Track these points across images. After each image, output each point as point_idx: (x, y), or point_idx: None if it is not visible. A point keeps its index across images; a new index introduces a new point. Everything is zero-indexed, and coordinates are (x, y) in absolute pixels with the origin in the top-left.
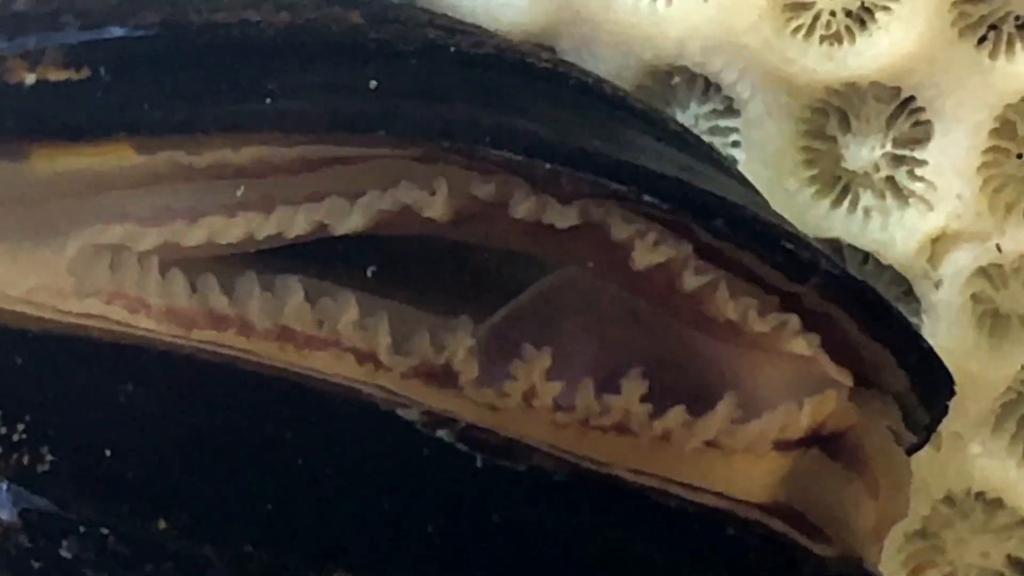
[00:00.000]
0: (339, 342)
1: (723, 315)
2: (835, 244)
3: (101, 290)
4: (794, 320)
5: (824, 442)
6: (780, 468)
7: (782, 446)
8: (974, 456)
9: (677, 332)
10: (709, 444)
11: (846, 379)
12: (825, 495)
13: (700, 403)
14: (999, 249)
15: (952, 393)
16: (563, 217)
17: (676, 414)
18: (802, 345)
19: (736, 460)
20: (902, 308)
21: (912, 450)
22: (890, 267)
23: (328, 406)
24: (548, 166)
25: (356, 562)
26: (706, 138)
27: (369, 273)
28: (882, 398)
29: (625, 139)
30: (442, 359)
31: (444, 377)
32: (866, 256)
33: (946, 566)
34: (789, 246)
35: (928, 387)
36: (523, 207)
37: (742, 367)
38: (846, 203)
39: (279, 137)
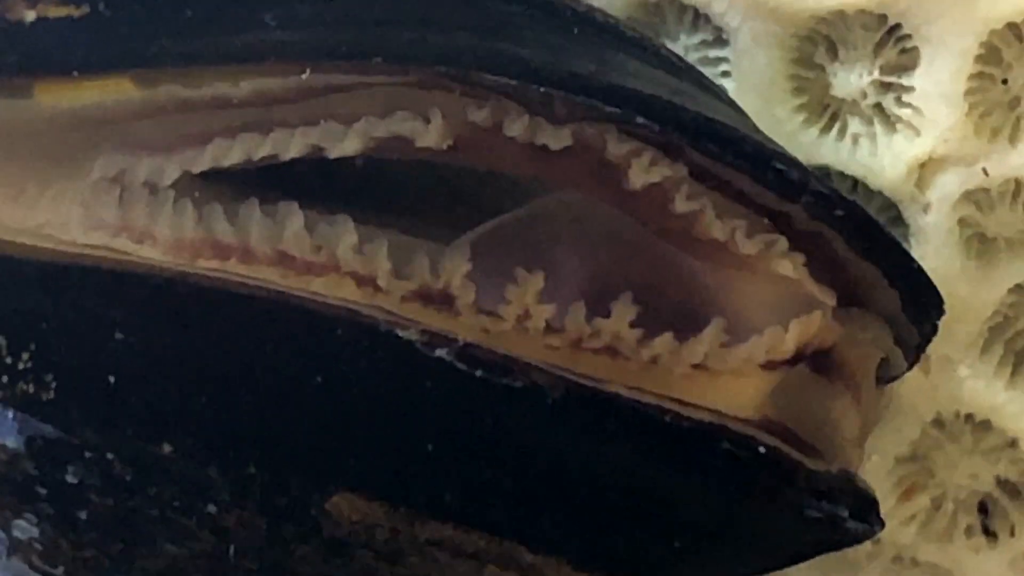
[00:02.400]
0: (338, 267)
1: (711, 236)
2: (824, 171)
3: (108, 222)
4: (781, 241)
5: (810, 359)
6: (767, 385)
7: (769, 366)
8: (962, 379)
9: (667, 254)
10: (697, 366)
11: (829, 299)
12: (813, 410)
13: (688, 325)
14: (985, 173)
15: (942, 312)
16: (556, 138)
17: (664, 340)
18: (787, 266)
19: (724, 380)
20: (892, 232)
21: (905, 369)
22: (879, 193)
23: (328, 327)
24: (542, 90)
25: (358, 481)
26: (698, 68)
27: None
28: (866, 314)
29: (617, 64)
30: (440, 283)
31: (442, 300)
32: (855, 183)
33: (936, 488)
34: (780, 166)
35: (918, 306)
36: (516, 128)
37: (729, 289)
38: (835, 130)
39: (277, 67)
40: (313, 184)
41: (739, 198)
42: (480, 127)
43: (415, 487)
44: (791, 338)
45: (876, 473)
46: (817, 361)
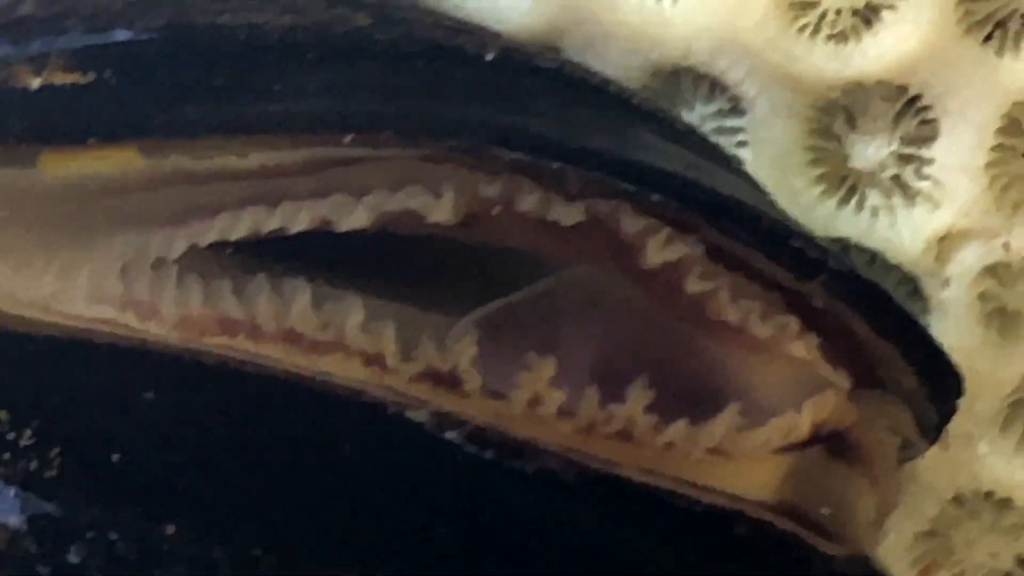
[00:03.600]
0: (345, 345)
1: (725, 317)
2: (842, 243)
3: (113, 297)
4: (793, 323)
5: (825, 441)
6: (783, 468)
7: (785, 448)
8: (983, 456)
9: (681, 334)
10: (712, 450)
11: (843, 381)
12: (829, 493)
13: (703, 407)
14: (1006, 247)
15: (961, 392)
16: (569, 214)
17: (679, 428)
18: (801, 348)
19: (739, 463)
20: (910, 307)
21: (924, 448)
22: (897, 266)
23: (336, 408)
24: (555, 165)
25: (367, 564)
26: (712, 138)
27: (373, 273)
28: (883, 396)
29: (632, 138)
30: (447, 365)
31: (450, 382)
32: (873, 256)
33: (955, 566)
34: (797, 244)
35: (937, 385)
36: (528, 203)
37: (744, 370)
38: (853, 202)
39: (286, 140)
40: (323, 250)
41: (755, 277)
42: (492, 202)
43: (425, 571)
44: (806, 420)
45: (894, 550)
46: (833, 444)
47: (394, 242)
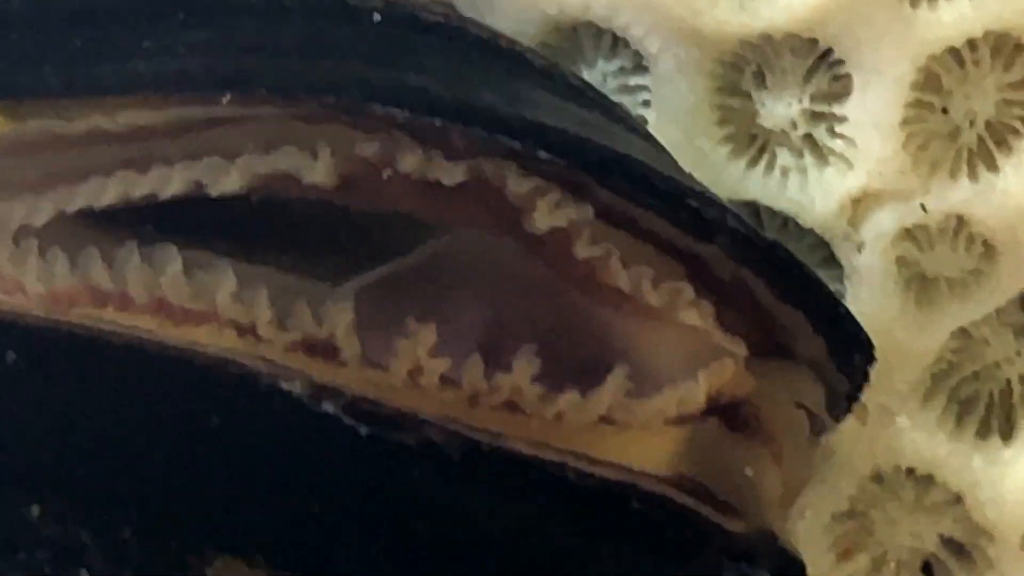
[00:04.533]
0: (217, 315)
1: (617, 284)
2: (752, 207)
3: None
4: (687, 290)
5: (722, 412)
6: (680, 440)
7: (681, 420)
8: (903, 430)
9: (571, 301)
10: (604, 419)
11: (739, 349)
12: (728, 466)
13: (593, 376)
14: (924, 209)
15: (872, 358)
16: (451, 174)
17: (568, 398)
18: (694, 316)
19: (633, 434)
20: (824, 275)
21: (836, 420)
22: (810, 231)
23: (208, 380)
24: (436, 122)
25: (239, 545)
26: (615, 98)
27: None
28: (784, 364)
29: (522, 94)
30: (324, 333)
31: (327, 351)
32: (785, 219)
33: (876, 548)
34: (693, 203)
35: (846, 352)
36: (408, 162)
37: (636, 338)
38: (763, 163)
39: (155, 99)
40: (197, 216)
41: (650, 239)
42: (370, 162)
43: (301, 552)
44: (700, 389)
45: (811, 531)
46: (731, 416)
47: (271, 207)
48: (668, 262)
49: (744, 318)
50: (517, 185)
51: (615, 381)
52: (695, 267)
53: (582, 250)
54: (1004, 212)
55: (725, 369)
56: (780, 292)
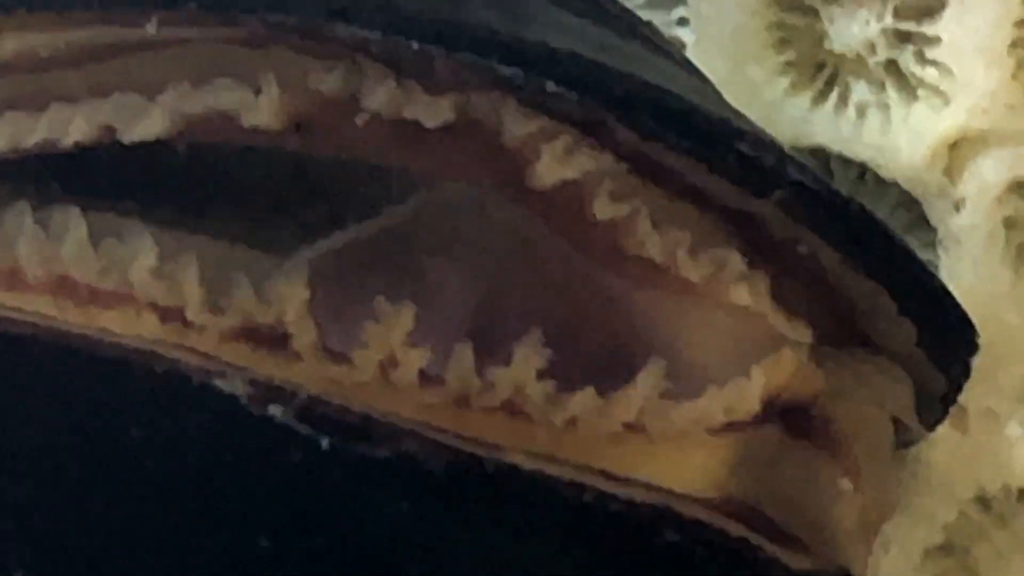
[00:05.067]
0: (133, 296)
1: (644, 252)
2: (820, 155)
3: None
4: (735, 260)
5: (781, 418)
6: (726, 454)
7: (729, 428)
8: (1013, 440)
9: (586, 274)
10: (631, 428)
11: (803, 335)
12: (790, 486)
13: (617, 372)
14: None
15: (975, 348)
16: (433, 112)
17: (584, 397)
18: (744, 293)
19: (667, 446)
20: (912, 240)
21: (927, 428)
22: (895, 184)
23: (122, 378)
24: (414, 45)
25: None
26: (644, 14)
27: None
28: (865, 356)
29: (524, 9)
30: (270, 317)
31: (274, 340)
32: (862, 170)
33: None
34: (745, 149)
35: (943, 341)
36: (378, 98)
37: (671, 323)
38: (832, 98)
39: (51, 18)
40: (106, 168)
41: (688, 195)
42: (329, 99)
43: None
44: (755, 388)
45: (897, 572)
46: (792, 422)
47: (202, 157)
48: (711, 224)
49: (810, 296)
50: (516, 126)
51: (647, 379)
52: (746, 231)
53: (600, 209)
54: None
55: (784, 362)
56: (856, 262)
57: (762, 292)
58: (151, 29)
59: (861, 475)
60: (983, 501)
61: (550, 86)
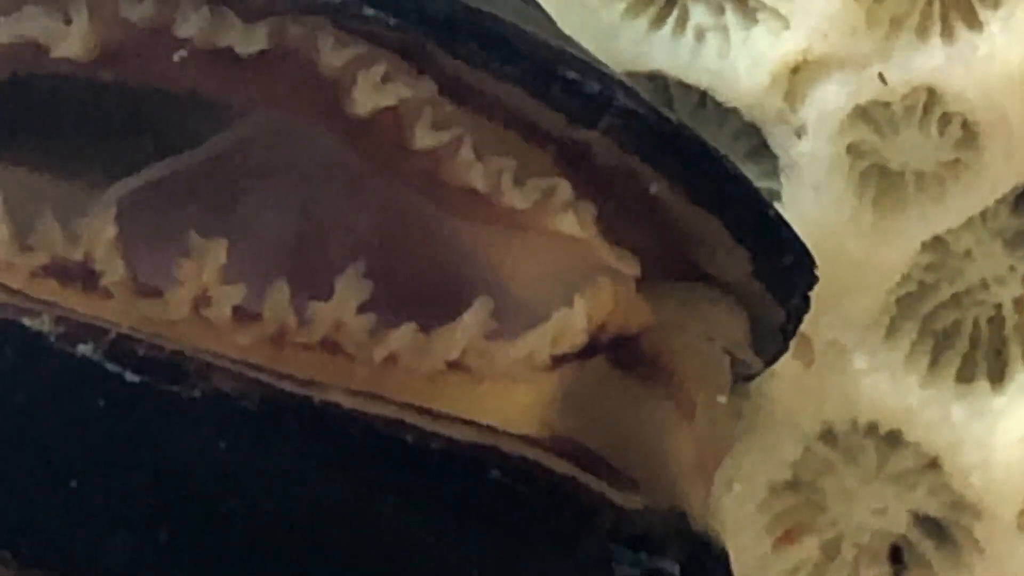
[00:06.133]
0: None
1: (467, 183)
2: (658, 80)
3: None
4: (562, 187)
5: (610, 351)
6: (551, 389)
7: (554, 362)
8: (860, 373)
9: (406, 205)
10: (454, 365)
11: (629, 266)
12: (619, 422)
13: (439, 307)
14: (883, 79)
15: (814, 278)
16: (246, 39)
17: (406, 334)
18: (571, 222)
19: (490, 384)
20: (753, 169)
21: (767, 361)
22: (735, 110)
23: None
24: None
25: None
26: None
27: None
28: (695, 288)
29: None
30: (78, 253)
31: (84, 277)
32: (702, 96)
33: (827, 529)
34: (572, 75)
35: (779, 271)
36: (191, 25)
37: (496, 255)
38: (670, 23)
39: None
40: None
41: (512, 123)
42: (142, 28)
43: (56, 542)
44: (579, 318)
45: (741, 509)
46: (620, 356)
47: (13, 85)
48: (536, 152)
49: (640, 226)
50: (333, 55)
51: (473, 318)
52: (573, 159)
53: (421, 138)
54: (988, 83)
55: (605, 290)
56: (689, 191)
57: (588, 222)
58: None
59: (696, 410)
60: (829, 436)
61: (367, 11)
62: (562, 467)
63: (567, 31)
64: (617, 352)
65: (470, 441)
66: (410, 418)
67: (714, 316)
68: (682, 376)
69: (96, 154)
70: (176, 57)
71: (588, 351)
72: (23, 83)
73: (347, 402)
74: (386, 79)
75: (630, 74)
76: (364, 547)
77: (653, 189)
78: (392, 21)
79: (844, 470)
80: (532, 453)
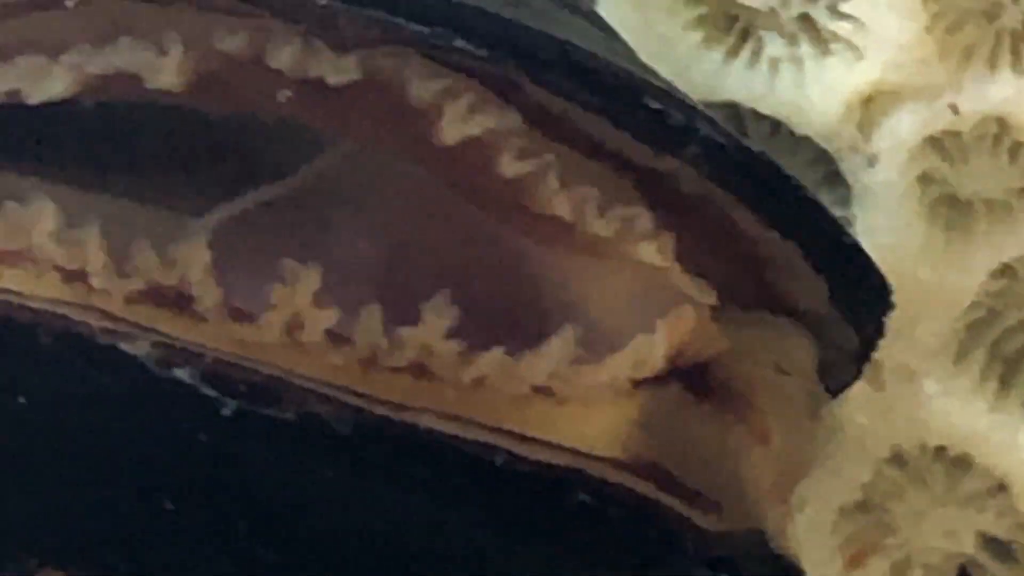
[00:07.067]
0: (35, 257)
1: (552, 211)
2: (732, 110)
3: None
4: (644, 217)
5: (685, 377)
6: (631, 413)
7: (633, 386)
8: (930, 397)
9: (494, 233)
10: (537, 389)
11: (705, 295)
12: (697, 445)
13: (525, 332)
14: (955, 110)
15: (889, 305)
16: (338, 70)
17: (493, 358)
18: (652, 251)
19: (573, 407)
20: (825, 196)
21: (841, 387)
22: (808, 140)
23: (24, 339)
24: (321, 2)
25: (68, 554)
26: None
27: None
28: (765, 316)
29: None
30: (174, 278)
31: (179, 301)
32: (775, 126)
33: (896, 550)
34: (655, 105)
35: (855, 297)
36: (284, 56)
37: (580, 282)
38: (745, 53)
39: None
40: (13, 131)
41: (596, 152)
42: (235, 59)
43: (148, 559)
44: (660, 344)
45: (813, 531)
46: (695, 382)
47: (106, 111)
48: (619, 180)
49: (719, 254)
50: (422, 85)
51: (560, 344)
52: (655, 187)
53: (507, 167)
54: None
55: (686, 317)
56: (768, 220)
57: (668, 250)
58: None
59: (771, 433)
60: (899, 459)
61: (458, 43)
62: (646, 489)
63: (644, 59)
64: (691, 377)
65: (557, 463)
66: (499, 441)
67: (785, 345)
68: (755, 401)
69: (182, 180)
70: (282, 97)
71: (664, 376)
72: (108, 109)
73: (438, 425)
74: (473, 109)
75: (706, 104)
76: (457, 569)
77: (733, 217)
78: (483, 52)
79: (913, 493)
80: (616, 475)
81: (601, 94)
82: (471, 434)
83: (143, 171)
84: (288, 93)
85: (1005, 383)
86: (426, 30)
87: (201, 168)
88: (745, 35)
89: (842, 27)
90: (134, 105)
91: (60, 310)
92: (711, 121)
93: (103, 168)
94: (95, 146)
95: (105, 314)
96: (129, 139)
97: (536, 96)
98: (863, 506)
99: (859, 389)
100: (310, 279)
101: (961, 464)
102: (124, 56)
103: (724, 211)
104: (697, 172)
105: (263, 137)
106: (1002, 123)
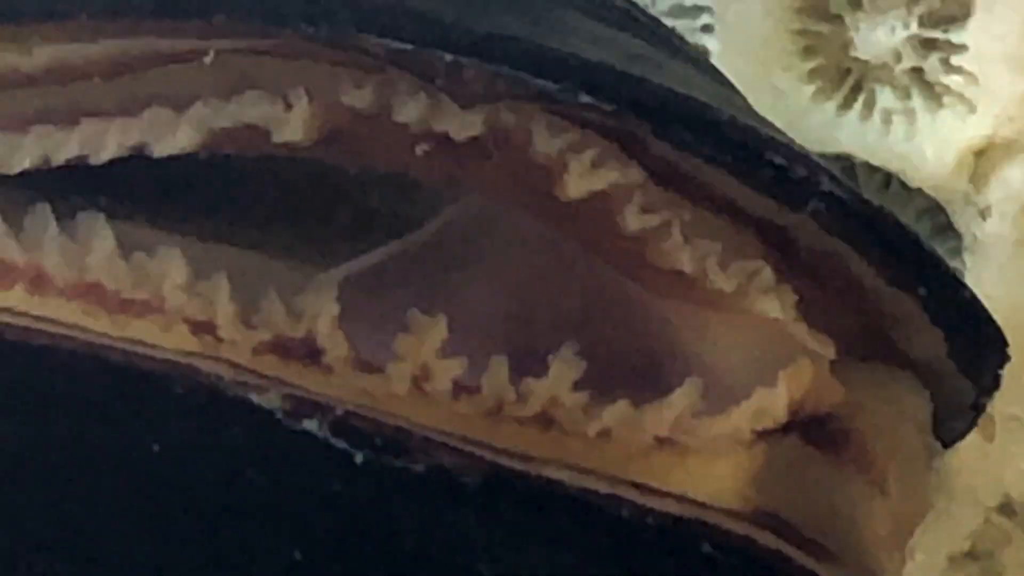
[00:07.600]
0: (164, 308)
1: (674, 265)
2: (845, 162)
3: None
4: (765, 272)
5: (803, 429)
6: (751, 464)
7: (752, 438)
8: None
9: (618, 287)
10: (660, 440)
11: (825, 348)
12: (814, 495)
13: (648, 384)
14: None
15: (1006, 357)
16: (463, 125)
17: (619, 410)
18: (773, 305)
19: (695, 458)
20: (938, 247)
21: (955, 438)
22: (920, 192)
23: (154, 389)
24: (446, 57)
25: None
26: (668, 22)
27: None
28: (882, 369)
29: (554, 19)
30: (301, 331)
31: (307, 353)
32: (887, 177)
33: None
34: (778, 160)
35: (971, 350)
36: (410, 111)
37: (703, 335)
38: (858, 105)
39: (84, 26)
40: (130, 174)
41: (719, 207)
42: (361, 112)
43: None
44: (781, 396)
45: None
46: (813, 433)
47: (231, 166)
48: (741, 234)
49: (837, 306)
50: (546, 140)
51: (684, 396)
52: (776, 241)
53: (630, 221)
54: None
55: (805, 370)
56: (888, 273)
57: (789, 304)
58: (164, 30)
59: (889, 483)
60: (1008, 508)
61: (583, 98)
62: (769, 540)
63: (760, 113)
64: (809, 428)
65: (682, 515)
66: (625, 493)
67: (902, 396)
68: (873, 451)
69: (302, 232)
70: (419, 151)
71: (784, 428)
72: (238, 165)
73: (565, 477)
74: (597, 164)
75: (819, 156)
76: None
77: (854, 270)
78: (608, 107)
79: (1022, 540)
80: (740, 527)
81: (724, 149)
82: (596, 485)
83: (263, 223)
84: (425, 147)
85: None
86: (552, 85)
87: (318, 220)
88: (858, 87)
89: (954, 80)
90: (259, 159)
91: (189, 361)
92: (832, 175)
93: (229, 220)
94: (220, 198)
95: (234, 366)
96: (253, 192)
97: (659, 150)
98: (972, 555)
99: (969, 439)
100: (437, 329)
101: None
102: (250, 110)
103: (844, 264)
104: (818, 226)
105: (385, 189)
106: None
